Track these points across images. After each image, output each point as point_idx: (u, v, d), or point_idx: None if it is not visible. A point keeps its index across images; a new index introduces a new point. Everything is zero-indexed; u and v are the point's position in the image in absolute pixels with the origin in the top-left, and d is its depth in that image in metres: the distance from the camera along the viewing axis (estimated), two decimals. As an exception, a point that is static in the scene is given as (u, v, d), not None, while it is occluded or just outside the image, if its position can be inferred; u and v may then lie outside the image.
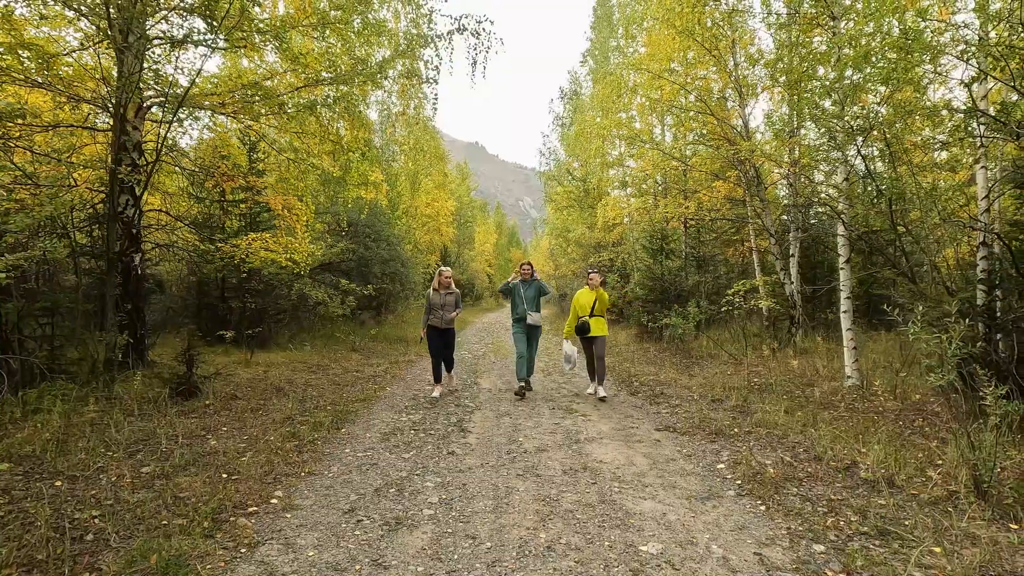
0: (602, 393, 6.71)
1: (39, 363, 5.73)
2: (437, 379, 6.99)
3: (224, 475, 3.91)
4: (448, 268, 7.02)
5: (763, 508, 3.48)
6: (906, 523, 3.17)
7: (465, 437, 5.15)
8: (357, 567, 2.76)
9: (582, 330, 6.83)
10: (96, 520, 3.11)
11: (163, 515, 3.22)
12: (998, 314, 5.30)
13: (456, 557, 2.88)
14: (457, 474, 4.14)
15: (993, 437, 3.56)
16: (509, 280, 7.35)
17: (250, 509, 3.40)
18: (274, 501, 3.54)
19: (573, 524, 3.26)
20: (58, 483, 3.61)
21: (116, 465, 3.95)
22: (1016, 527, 3.06)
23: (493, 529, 3.20)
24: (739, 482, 3.93)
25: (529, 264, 7.34)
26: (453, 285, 7.00)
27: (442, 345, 6.95)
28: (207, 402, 5.91)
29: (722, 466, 4.29)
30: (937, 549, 2.87)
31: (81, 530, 3.01)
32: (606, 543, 3.02)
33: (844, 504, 3.48)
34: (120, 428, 4.79)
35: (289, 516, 3.35)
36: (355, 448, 4.76)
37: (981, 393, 3.92)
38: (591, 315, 6.83)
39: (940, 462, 3.97)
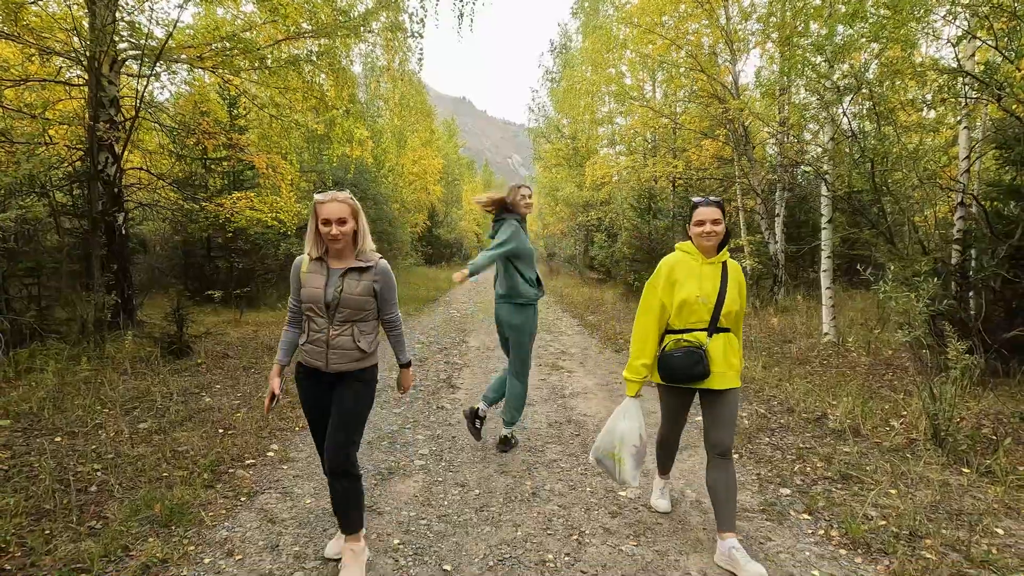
0: (757, 569, 2.27)
1: (29, 323, 5.74)
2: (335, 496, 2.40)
3: (220, 430, 4.04)
4: (340, 194, 2.34)
5: (736, 456, 3.69)
6: (867, 468, 3.39)
7: (454, 392, 5.31)
8: (353, 513, 2.92)
9: (687, 373, 2.47)
10: (98, 473, 3.24)
11: (163, 468, 3.35)
12: (970, 273, 5.48)
13: (447, 503, 3.05)
14: (447, 427, 4.31)
15: (954, 389, 3.78)
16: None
17: (247, 461, 3.54)
18: (270, 454, 3.68)
19: (557, 472, 3.45)
20: (58, 439, 3.72)
21: (113, 421, 4.06)
22: (968, 471, 3.30)
23: (481, 477, 3.37)
24: (715, 433, 4.14)
25: (525, 190, 3.72)
26: (367, 244, 2.39)
27: (326, 414, 2.40)
28: (199, 361, 5.99)
29: (700, 419, 4.50)
30: (893, 491, 3.09)
31: (85, 482, 3.13)
32: (588, 489, 3.21)
33: (811, 452, 3.70)
34: (115, 386, 4.87)
35: (286, 467, 3.49)
36: (347, 404, 4.89)
37: (948, 348, 4.12)
38: (713, 328, 2.48)
39: (904, 413, 4.20)
